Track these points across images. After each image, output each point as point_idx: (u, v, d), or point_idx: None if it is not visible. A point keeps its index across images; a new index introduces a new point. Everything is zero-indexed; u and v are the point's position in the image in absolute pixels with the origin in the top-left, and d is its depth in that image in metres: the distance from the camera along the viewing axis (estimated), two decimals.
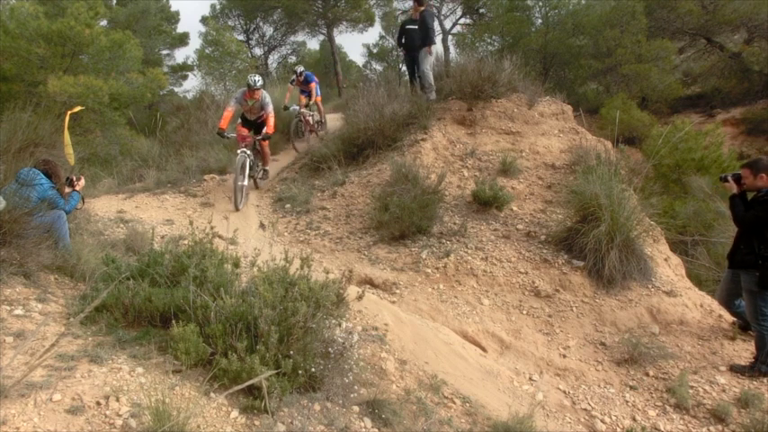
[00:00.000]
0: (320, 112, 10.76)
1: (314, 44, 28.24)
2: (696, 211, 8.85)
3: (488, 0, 21.91)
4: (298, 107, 9.79)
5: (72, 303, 3.49)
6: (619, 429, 3.90)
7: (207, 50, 18.55)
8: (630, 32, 16.55)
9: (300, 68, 10.25)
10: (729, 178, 4.47)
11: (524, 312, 5.03)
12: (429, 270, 5.35)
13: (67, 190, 4.62)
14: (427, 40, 8.32)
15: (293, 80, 10.31)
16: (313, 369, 2.99)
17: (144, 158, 9.18)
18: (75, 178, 4.69)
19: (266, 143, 7.53)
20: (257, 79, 7.23)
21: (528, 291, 5.21)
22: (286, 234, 6.43)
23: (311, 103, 10.30)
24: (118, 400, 2.49)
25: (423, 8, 8.51)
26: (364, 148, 7.74)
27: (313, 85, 10.24)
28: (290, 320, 2.95)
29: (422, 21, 8.38)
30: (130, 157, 10.01)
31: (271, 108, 7.33)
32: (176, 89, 21.97)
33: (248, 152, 7.13)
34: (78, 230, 4.91)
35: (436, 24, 8.30)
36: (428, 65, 8.39)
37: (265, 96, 7.37)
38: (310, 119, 10.21)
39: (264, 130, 7.26)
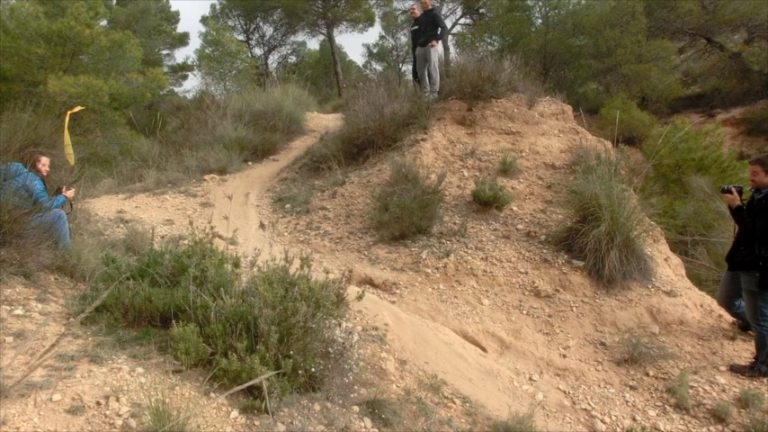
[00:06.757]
0: None
1: (314, 44, 28.32)
2: (696, 211, 8.82)
3: (488, 0, 21.91)
4: None
5: (72, 303, 3.49)
6: (619, 429, 3.89)
7: (207, 50, 18.55)
8: (630, 32, 16.51)
9: None
10: (733, 190, 4.34)
11: (524, 312, 5.03)
12: (429, 270, 5.35)
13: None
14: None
15: None
16: (313, 369, 2.99)
17: (144, 158, 9.17)
18: (64, 188, 4.68)
19: None
20: None
21: (528, 291, 5.21)
22: (286, 234, 6.43)
23: None
24: (118, 400, 2.49)
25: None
26: (364, 148, 7.73)
27: None
28: (290, 320, 2.95)
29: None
30: (130, 157, 10.00)
31: None
32: (176, 89, 21.95)
33: None
34: (78, 230, 4.92)
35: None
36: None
37: None
38: None
39: None
